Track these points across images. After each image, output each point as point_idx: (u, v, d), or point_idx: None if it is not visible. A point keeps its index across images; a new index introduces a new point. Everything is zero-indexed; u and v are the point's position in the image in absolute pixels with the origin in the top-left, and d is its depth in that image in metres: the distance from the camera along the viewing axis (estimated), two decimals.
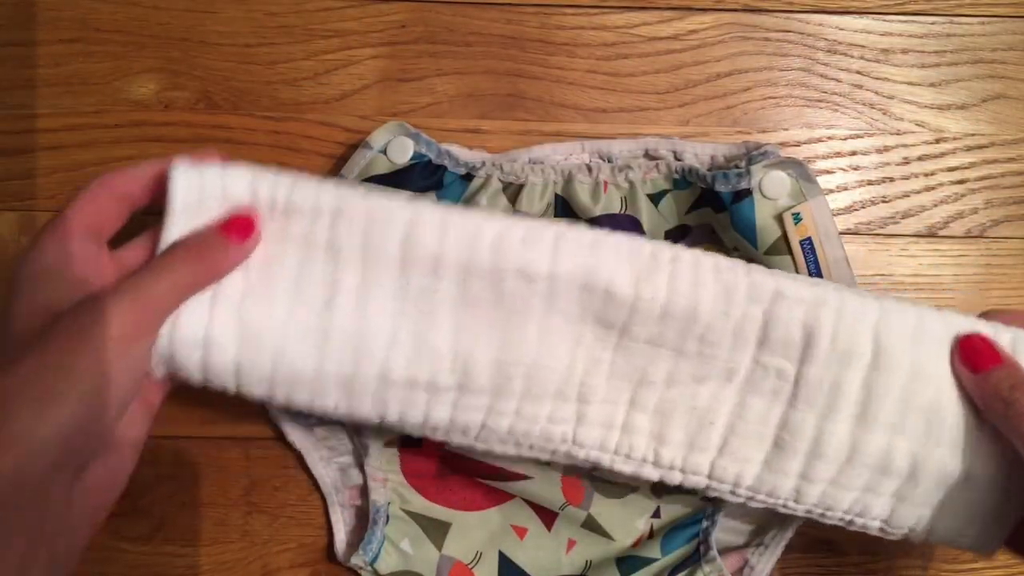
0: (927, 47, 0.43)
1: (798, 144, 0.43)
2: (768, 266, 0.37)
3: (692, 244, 0.40)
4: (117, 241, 0.33)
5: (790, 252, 0.37)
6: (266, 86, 0.42)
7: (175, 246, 0.31)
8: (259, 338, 0.32)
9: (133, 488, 0.33)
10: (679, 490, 0.36)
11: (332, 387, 0.32)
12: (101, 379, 0.28)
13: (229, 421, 0.42)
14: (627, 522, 0.41)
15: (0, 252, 0.42)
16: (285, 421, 0.40)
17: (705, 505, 0.40)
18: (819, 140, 0.43)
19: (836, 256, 0.37)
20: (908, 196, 0.42)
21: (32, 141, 0.42)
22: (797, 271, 0.37)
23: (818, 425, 0.32)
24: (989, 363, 0.31)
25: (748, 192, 0.37)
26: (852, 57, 0.43)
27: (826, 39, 0.43)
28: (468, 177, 0.40)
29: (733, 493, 0.34)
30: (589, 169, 0.39)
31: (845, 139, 0.43)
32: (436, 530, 0.41)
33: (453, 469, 0.41)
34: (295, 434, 0.40)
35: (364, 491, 0.41)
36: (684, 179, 0.39)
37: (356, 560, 0.39)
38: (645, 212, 0.39)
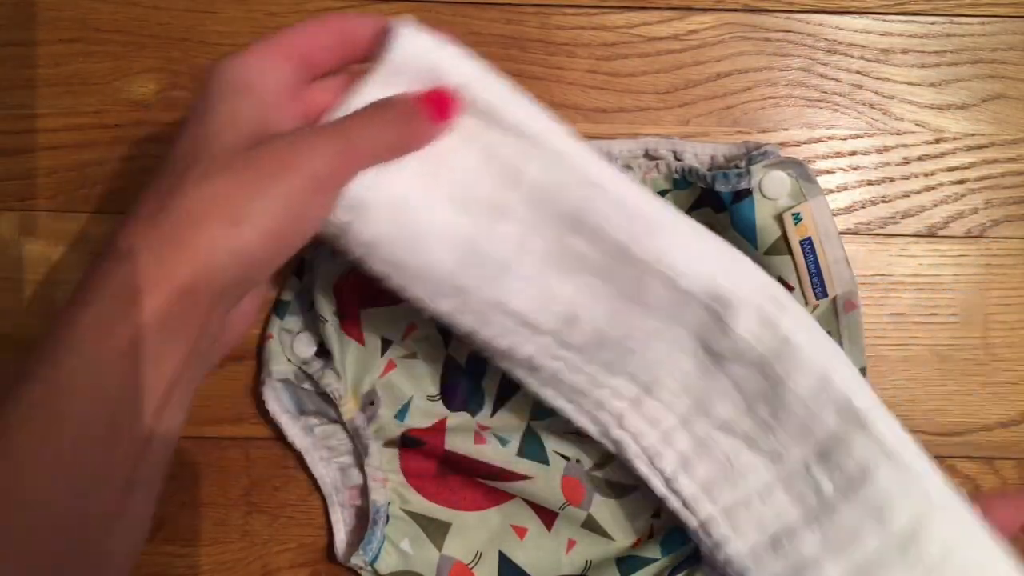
0: (927, 47, 0.43)
1: (798, 144, 0.43)
2: (768, 266, 0.37)
3: None
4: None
5: (790, 252, 0.37)
6: None
7: (382, 104, 0.30)
8: (414, 229, 0.30)
9: None
10: None
11: (452, 297, 0.32)
12: (292, 211, 0.27)
13: (229, 421, 0.42)
14: (627, 522, 0.41)
15: (0, 252, 0.42)
16: (285, 421, 0.40)
17: None
18: (819, 140, 0.43)
19: (836, 256, 0.37)
20: (908, 196, 0.42)
21: (32, 141, 0.42)
22: (797, 271, 0.37)
23: (819, 554, 0.32)
24: None
25: (748, 192, 0.37)
26: (852, 57, 0.43)
27: (826, 39, 0.43)
28: None
29: (711, 552, 0.35)
30: None
31: (845, 139, 0.43)
32: (436, 530, 0.41)
33: (453, 469, 0.41)
34: (295, 434, 0.40)
35: (364, 491, 0.41)
36: (684, 179, 0.39)
37: (356, 560, 0.39)
38: None
